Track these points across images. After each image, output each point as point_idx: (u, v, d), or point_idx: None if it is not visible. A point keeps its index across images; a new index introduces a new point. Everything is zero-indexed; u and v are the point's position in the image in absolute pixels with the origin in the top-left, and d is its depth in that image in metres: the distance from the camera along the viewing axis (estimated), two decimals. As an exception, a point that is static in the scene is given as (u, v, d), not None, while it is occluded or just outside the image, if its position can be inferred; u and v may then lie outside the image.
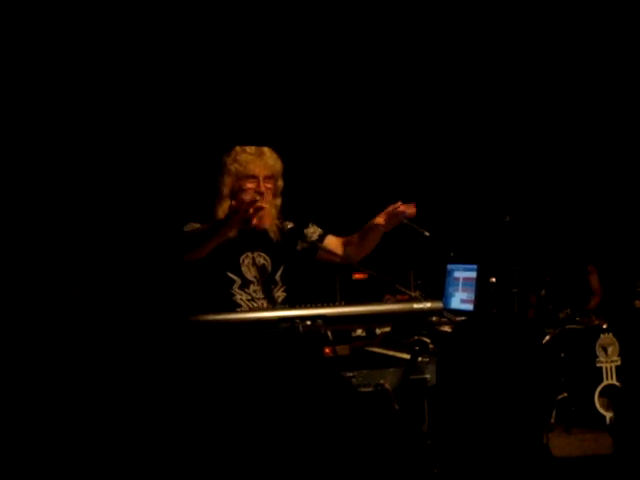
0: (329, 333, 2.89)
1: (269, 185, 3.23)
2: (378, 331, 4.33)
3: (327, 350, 3.47)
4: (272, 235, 3.28)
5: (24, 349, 3.82)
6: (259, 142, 3.32)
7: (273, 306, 3.20)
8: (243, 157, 3.20)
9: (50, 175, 4.60)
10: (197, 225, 3.20)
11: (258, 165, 3.20)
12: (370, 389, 2.93)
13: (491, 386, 1.50)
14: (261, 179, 3.20)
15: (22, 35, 4.47)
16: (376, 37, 5.40)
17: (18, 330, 3.94)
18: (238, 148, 3.25)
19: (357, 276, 4.82)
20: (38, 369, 3.73)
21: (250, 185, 3.19)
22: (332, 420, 2.46)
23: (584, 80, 5.63)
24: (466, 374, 1.49)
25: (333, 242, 3.38)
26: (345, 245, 3.38)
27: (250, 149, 3.24)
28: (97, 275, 4.64)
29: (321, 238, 3.37)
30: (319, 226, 3.43)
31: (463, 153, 5.92)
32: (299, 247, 3.34)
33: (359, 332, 4.36)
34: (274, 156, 3.26)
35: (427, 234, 4.01)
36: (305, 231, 3.35)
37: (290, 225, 3.25)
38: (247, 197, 3.12)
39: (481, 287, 4.48)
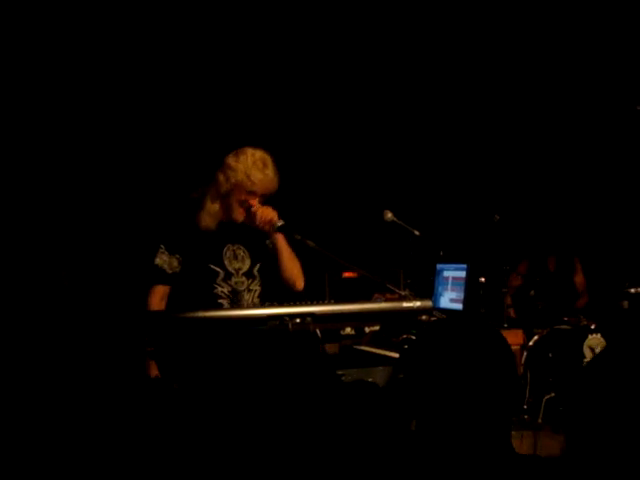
0: (318, 331, 2.90)
1: (263, 199, 3.30)
2: (367, 330, 4.33)
3: (316, 348, 3.48)
4: (251, 229, 3.34)
5: (18, 342, 3.80)
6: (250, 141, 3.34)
7: (251, 299, 3.28)
8: (253, 174, 3.21)
9: (48, 174, 4.60)
10: (167, 259, 3.22)
11: (263, 187, 3.24)
12: (359, 387, 2.93)
13: (454, 388, 1.50)
14: (259, 195, 3.26)
15: (22, 35, 4.45)
16: (369, 37, 5.39)
17: (12, 322, 3.93)
18: (248, 157, 3.24)
19: (347, 274, 4.82)
20: (33, 362, 3.71)
21: (248, 198, 3.24)
22: (321, 417, 2.46)
23: (572, 82, 5.65)
24: (431, 377, 1.50)
25: None
26: None
27: (257, 162, 3.23)
28: (86, 270, 4.64)
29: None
30: (307, 225, 3.47)
31: (453, 153, 5.93)
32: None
33: (348, 330, 4.36)
34: (277, 178, 3.28)
35: (417, 233, 4.04)
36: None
37: (280, 223, 3.27)
38: (240, 217, 3.24)
39: (470, 287, 4.48)
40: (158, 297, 3.20)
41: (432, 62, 5.65)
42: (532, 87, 5.73)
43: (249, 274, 3.34)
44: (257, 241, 3.37)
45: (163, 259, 3.21)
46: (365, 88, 5.59)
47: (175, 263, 3.22)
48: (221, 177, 3.24)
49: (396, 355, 3.80)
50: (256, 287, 3.35)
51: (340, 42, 5.35)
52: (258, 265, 3.36)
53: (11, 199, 4.49)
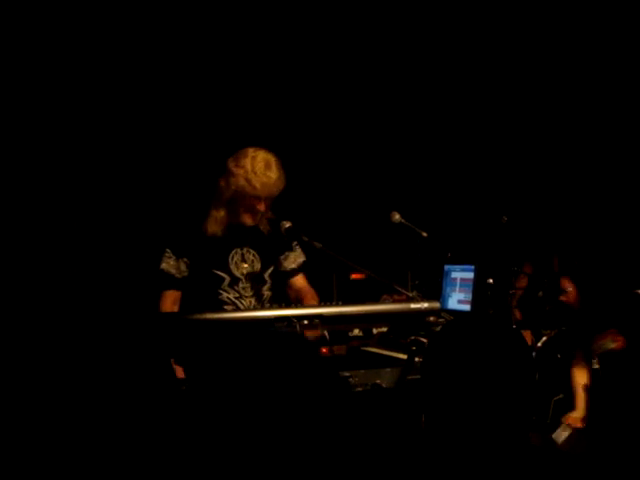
0: (326, 333, 2.90)
1: (269, 201, 3.22)
2: (375, 331, 4.32)
3: (324, 350, 3.48)
4: (262, 229, 3.29)
5: (22, 342, 3.81)
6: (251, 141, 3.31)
7: (261, 304, 3.22)
8: (254, 179, 3.09)
9: (50, 175, 4.61)
10: (175, 263, 3.18)
11: (266, 191, 3.13)
12: (367, 389, 2.93)
13: (474, 386, 1.50)
14: (263, 198, 3.18)
15: (23, 35, 4.46)
16: (373, 36, 5.39)
17: (17, 323, 3.94)
18: (248, 160, 3.12)
19: (354, 276, 4.82)
20: (37, 362, 3.72)
21: (253, 202, 3.16)
22: (329, 420, 2.46)
23: (578, 83, 5.63)
24: (451, 373, 1.50)
25: (301, 281, 3.41)
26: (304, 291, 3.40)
27: (258, 165, 3.10)
28: (93, 272, 4.65)
29: (295, 271, 3.38)
30: (314, 227, 3.44)
31: (461, 154, 5.92)
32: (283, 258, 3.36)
33: (356, 332, 4.35)
34: (282, 177, 3.16)
35: (425, 235, 4.03)
36: (288, 254, 3.35)
37: (288, 224, 3.24)
38: (248, 221, 3.18)
39: (478, 288, 4.47)
40: (169, 302, 3.15)
41: (439, 65, 5.64)
42: (538, 89, 5.72)
43: (260, 278, 3.27)
44: (269, 245, 3.32)
45: (170, 264, 3.16)
46: (372, 89, 5.59)
47: (183, 267, 3.16)
48: (223, 184, 3.16)
49: (404, 356, 3.78)
50: (267, 292, 3.29)
51: (347, 42, 5.34)
52: (270, 269, 3.30)
53: (18, 205, 4.51)
